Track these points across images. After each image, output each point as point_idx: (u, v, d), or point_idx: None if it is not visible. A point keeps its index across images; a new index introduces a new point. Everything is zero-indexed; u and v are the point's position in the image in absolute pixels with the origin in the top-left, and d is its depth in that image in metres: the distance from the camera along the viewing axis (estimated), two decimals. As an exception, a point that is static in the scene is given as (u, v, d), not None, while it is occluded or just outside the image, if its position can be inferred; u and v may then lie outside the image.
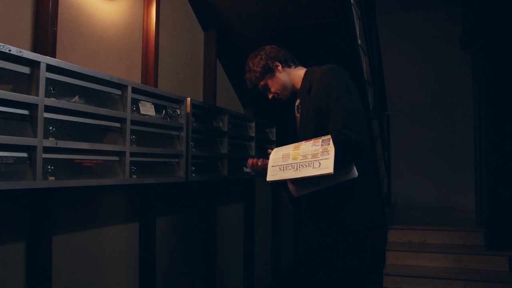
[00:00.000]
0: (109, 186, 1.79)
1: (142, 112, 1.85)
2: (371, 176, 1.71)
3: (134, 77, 2.07)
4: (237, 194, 3.15)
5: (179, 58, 2.46)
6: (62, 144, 1.41)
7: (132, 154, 1.75)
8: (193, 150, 2.17)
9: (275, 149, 1.66)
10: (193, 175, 2.17)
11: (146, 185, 2.06)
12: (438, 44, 5.27)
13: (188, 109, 2.12)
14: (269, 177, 1.58)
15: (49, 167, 1.38)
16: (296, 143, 1.60)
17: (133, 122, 1.77)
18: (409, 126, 5.34)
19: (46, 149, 1.36)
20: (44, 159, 1.35)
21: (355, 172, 1.51)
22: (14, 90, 1.28)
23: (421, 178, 5.24)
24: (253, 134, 2.90)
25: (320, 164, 1.43)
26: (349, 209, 1.59)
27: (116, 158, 1.69)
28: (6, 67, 1.26)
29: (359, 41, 3.07)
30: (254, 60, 1.79)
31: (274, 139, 3.27)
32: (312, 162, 1.46)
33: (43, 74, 1.35)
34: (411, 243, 3.90)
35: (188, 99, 2.13)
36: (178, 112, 2.10)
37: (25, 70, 1.33)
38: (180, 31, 2.49)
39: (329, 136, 1.49)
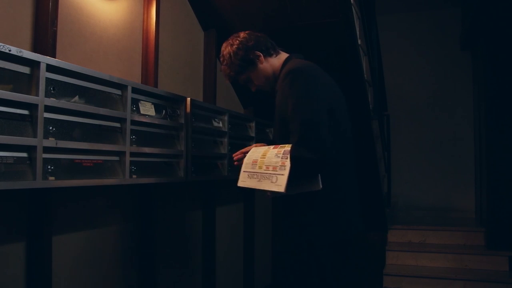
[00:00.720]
0: (109, 186, 1.79)
1: (142, 112, 1.85)
2: (346, 188, 1.53)
3: (134, 77, 2.07)
4: (237, 194, 3.15)
5: (179, 58, 2.46)
6: (62, 144, 1.41)
7: (132, 154, 1.75)
8: (193, 150, 2.17)
9: (251, 151, 1.60)
10: (193, 175, 2.17)
11: (146, 185, 2.06)
12: (438, 44, 5.27)
13: (188, 109, 2.12)
14: (239, 183, 1.56)
15: (49, 167, 1.38)
16: (266, 149, 1.53)
17: (133, 122, 1.77)
18: (409, 126, 5.34)
19: (46, 149, 1.36)
20: (44, 159, 1.35)
21: (319, 185, 1.42)
22: (14, 90, 1.28)
23: (421, 178, 5.24)
24: (253, 134, 2.90)
25: (277, 179, 1.42)
26: (307, 222, 1.46)
27: (116, 158, 1.69)
28: (6, 67, 1.27)
29: (359, 41, 3.07)
30: (230, 50, 1.59)
31: (274, 139, 3.26)
32: (271, 175, 1.45)
33: (43, 74, 1.35)
34: (411, 243, 3.90)
35: (188, 99, 2.13)
36: (178, 112, 2.10)
37: (25, 70, 1.33)
38: (180, 31, 2.49)
39: (288, 148, 1.41)
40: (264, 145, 1.62)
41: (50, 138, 1.38)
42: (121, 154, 1.70)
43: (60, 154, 1.43)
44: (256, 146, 1.63)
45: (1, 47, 1.21)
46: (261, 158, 1.51)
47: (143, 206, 2.09)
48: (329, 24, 2.44)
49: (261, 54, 1.59)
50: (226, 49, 1.62)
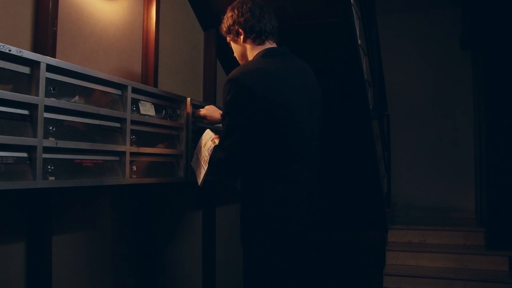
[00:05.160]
0: (109, 186, 1.79)
1: (142, 112, 1.84)
2: (301, 192, 1.53)
3: (134, 77, 2.07)
4: (237, 194, 3.15)
5: (179, 58, 2.46)
6: (62, 144, 1.41)
7: (132, 154, 1.74)
8: (193, 150, 2.16)
9: (205, 132, 1.79)
10: (193, 175, 2.17)
11: (146, 185, 2.05)
12: (438, 44, 5.27)
13: (188, 109, 2.12)
14: (192, 162, 1.89)
15: (49, 167, 1.38)
16: (208, 138, 1.72)
17: (133, 122, 1.76)
18: (409, 126, 5.34)
19: (46, 149, 1.35)
20: (44, 159, 1.35)
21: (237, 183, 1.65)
22: (14, 90, 1.28)
23: (421, 178, 5.24)
24: (253, 134, 2.89)
25: (201, 171, 1.70)
26: (244, 225, 1.57)
27: (116, 158, 1.69)
28: (6, 67, 1.26)
29: (359, 41, 3.07)
30: (229, 13, 1.66)
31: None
32: (201, 166, 1.72)
33: (43, 74, 1.34)
34: (411, 243, 3.90)
35: (188, 99, 2.12)
36: (178, 112, 2.10)
37: (25, 70, 1.33)
38: (180, 31, 2.49)
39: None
40: (215, 116, 1.96)
41: (50, 138, 1.38)
42: (121, 154, 1.70)
43: (60, 154, 1.43)
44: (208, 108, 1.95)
45: (1, 47, 1.21)
46: (202, 146, 1.74)
47: (143, 206, 2.09)
48: (329, 24, 2.44)
49: (243, 34, 1.62)
50: (229, 8, 1.67)
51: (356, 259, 3.78)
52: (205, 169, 1.64)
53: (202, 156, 1.72)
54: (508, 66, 3.61)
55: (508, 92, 3.60)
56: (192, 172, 2.16)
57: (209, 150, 1.64)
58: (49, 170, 1.38)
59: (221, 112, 1.92)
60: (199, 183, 1.72)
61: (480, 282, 3.30)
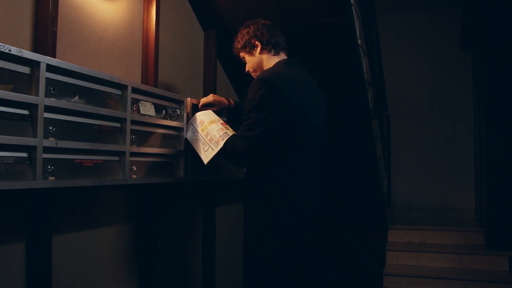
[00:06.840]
0: (109, 186, 1.79)
1: (142, 112, 1.85)
2: (306, 185, 1.64)
3: (134, 77, 2.07)
4: (237, 194, 3.15)
5: (179, 58, 2.46)
6: (62, 144, 1.41)
7: (132, 154, 1.74)
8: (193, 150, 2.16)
9: (206, 112, 1.87)
10: (193, 175, 2.17)
11: (146, 185, 2.06)
12: (438, 44, 5.27)
13: (188, 109, 2.12)
14: (186, 134, 1.93)
15: (49, 167, 1.38)
16: (215, 119, 1.79)
17: (133, 122, 1.76)
18: (409, 126, 5.34)
19: (46, 149, 1.36)
20: (44, 159, 1.35)
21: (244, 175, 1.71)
22: (14, 90, 1.28)
23: (421, 178, 5.24)
24: (253, 134, 2.89)
25: (207, 149, 1.72)
26: (255, 217, 1.64)
27: (116, 158, 1.69)
28: (6, 67, 1.26)
29: (359, 41, 3.07)
30: (243, 31, 1.81)
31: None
32: (205, 143, 1.74)
33: (43, 74, 1.34)
34: (411, 243, 3.90)
35: (188, 99, 2.13)
36: (178, 112, 2.10)
37: (25, 70, 1.33)
38: (180, 31, 2.49)
39: (229, 133, 1.67)
40: (222, 99, 1.98)
41: (50, 138, 1.38)
42: (121, 154, 1.70)
43: (60, 154, 1.43)
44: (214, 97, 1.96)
45: (1, 47, 1.21)
46: (207, 123, 1.77)
47: (143, 206, 2.09)
48: (329, 24, 2.44)
49: (259, 45, 1.76)
50: (243, 28, 1.83)
51: (356, 259, 3.78)
52: (215, 151, 1.67)
53: (207, 133, 1.75)
54: (508, 66, 3.61)
55: (508, 92, 3.60)
56: (192, 173, 2.16)
57: (220, 133, 1.69)
58: (49, 170, 1.38)
59: (227, 98, 2.02)
60: (205, 163, 1.72)
61: (480, 282, 3.30)
